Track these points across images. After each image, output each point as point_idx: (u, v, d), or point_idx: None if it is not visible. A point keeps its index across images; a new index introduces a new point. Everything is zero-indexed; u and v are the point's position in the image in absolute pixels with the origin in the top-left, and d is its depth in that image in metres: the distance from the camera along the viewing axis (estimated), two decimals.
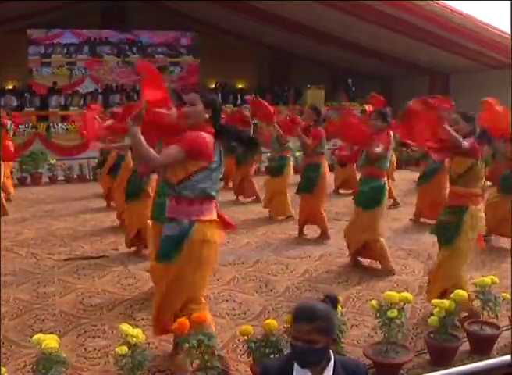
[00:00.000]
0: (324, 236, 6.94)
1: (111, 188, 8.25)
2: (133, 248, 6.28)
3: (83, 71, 22.98)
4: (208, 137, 3.34)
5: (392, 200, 8.70)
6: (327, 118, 11.38)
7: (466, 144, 4.25)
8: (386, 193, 5.73)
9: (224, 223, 3.55)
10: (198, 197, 3.38)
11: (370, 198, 5.62)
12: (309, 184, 6.91)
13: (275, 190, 8.07)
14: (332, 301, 2.34)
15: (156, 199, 5.00)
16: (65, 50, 22.94)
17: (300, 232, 7.14)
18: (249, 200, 9.55)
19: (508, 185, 6.59)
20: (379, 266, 5.71)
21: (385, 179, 5.75)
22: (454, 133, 4.23)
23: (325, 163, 7.08)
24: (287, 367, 2.20)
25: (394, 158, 9.68)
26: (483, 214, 4.47)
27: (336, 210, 8.50)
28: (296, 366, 2.19)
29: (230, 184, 10.13)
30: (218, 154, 3.40)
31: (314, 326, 2.14)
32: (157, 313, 3.55)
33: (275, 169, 8.15)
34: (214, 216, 3.45)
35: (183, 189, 3.37)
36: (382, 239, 5.72)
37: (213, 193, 3.42)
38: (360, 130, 5.81)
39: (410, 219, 7.97)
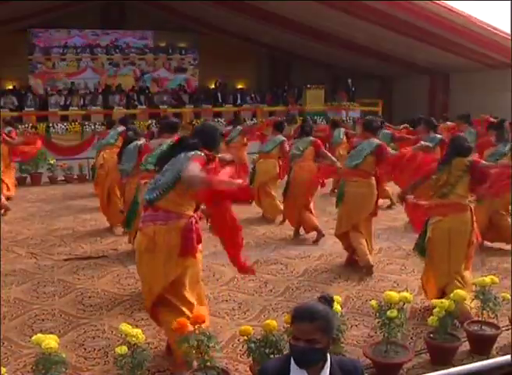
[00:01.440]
0: (319, 235, 6.90)
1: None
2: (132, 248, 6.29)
3: (86, 63, 22.99)
4: None
5: (388, 200, 8.69)
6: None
7: None
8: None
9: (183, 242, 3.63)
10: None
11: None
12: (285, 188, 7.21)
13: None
14: (328, 301, 2.34)
15: None
16: (65, 50, 22.93)
17: (295, 233, 7.16)
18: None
19: None
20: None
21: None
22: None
23: (301, 165, 7.07)
24: (284, 368, 2.20)
25: None
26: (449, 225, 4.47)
27: (336, 210, 8.48)
28: (293, 366, 2.19)
29: None
30: None
31: (315, 325, 2.14)
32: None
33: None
34: (150, 224, 3.59)
35: None
36: (357, 233, 5.76)
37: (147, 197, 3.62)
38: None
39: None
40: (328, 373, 2.20)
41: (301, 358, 2.18)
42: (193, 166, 3.36)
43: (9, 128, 10.63)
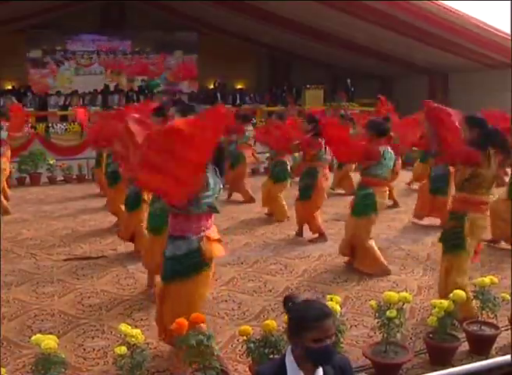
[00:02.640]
0: (322, 237, 6.90)
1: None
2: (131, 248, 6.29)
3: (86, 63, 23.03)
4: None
5: (392, 200, 8.69)
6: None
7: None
8: (375, 202, 5.57)
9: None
10: (204, 213, 3.45)
11: (358, 205, 5.66)
12: (305, 191, 6.90)
13: (272, 194, 8.09)
14: (294, 302, 2.29)
15: (150, 209, 5.07)
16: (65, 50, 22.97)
17: (299, 233, 7.13)
18: (243, 199, 9.52)
19: None
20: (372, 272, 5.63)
21: (377, 187, 5.59)
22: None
23: (323, 169, 7.01)
24: (281, 371, 2.18)
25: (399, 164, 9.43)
26: (484, 223, 4.43)
27: (336, 210, 8.50)
28: (289, 369, 2.16)
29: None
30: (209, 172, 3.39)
31: (331, 320, 2.17)
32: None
33: (275, 175, 8.12)
34: (215, 232, 3.55)
35: (190, 206, 3.39)
36: (370, 244, 5.68)
37: (217, 206, 3.49)
38: (351, 145, 5.60)
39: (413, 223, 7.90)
40: (321, 371, 2.20)
41: (328, 356, 2.17)
42: None
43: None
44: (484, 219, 4.40)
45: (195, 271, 3.47)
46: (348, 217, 5.88)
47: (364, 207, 5.59)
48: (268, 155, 8.77)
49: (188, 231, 3.45)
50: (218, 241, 3.58)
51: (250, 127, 10.33)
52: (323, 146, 6.85)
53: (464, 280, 4.36)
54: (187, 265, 3.47)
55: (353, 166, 9.78)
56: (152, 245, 4.95)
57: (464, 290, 4.16)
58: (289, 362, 2.17)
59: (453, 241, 4.36)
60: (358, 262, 5.72)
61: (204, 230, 3.46)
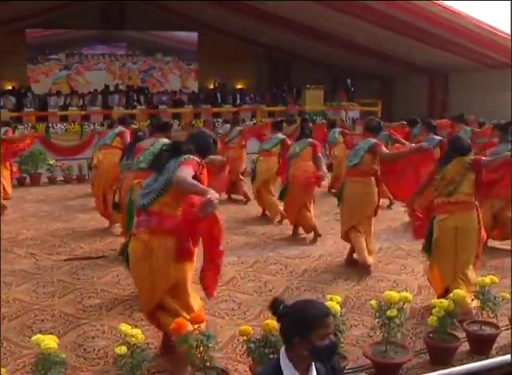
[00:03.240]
0: (316, 234, 6.93)
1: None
2: None
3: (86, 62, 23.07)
4: None
5: (388, 200, 8.68)
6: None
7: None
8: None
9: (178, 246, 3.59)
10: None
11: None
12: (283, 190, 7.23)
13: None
14: (285, 304, 2.26)
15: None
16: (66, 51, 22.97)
17: (294, 232, 7.17)
18: (241, 197, 9.52)
19: None
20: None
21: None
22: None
23: (298, 165, 7.05)
24: (277, 373, 2.17)
25: None
26: (455, 224, 4.47)
27: (336, 210, 8.49)
28: (285, 370, 2.14)
29: None
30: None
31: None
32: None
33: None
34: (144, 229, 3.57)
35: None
36: (357, 232, 5.77)
37: (140, 202, 3.58)
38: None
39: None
40: (314, 370, 2.19)
41: (333, 352, 2.19)
42: (185, 169, 3.36)
43: (6, 128, 10.55)
44: (453, 220, 4.45)
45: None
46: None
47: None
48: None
49: None
50: (144, 241, 3.54)
51: None
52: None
53: (452, 281, 4.47)
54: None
55: None
56: None
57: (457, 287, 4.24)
58: (285, 363, 2.15)
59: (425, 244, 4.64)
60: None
61: (134, 227, 3.62)
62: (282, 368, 2.15)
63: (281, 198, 7.39)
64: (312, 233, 6.98)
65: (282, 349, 2.20)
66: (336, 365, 2.31)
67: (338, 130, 10.63)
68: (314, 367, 2.19)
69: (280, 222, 7.80)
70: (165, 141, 5.24)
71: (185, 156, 3.50)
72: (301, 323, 2.13)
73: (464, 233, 4.44)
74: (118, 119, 9.05)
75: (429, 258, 4.70)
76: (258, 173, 8.24)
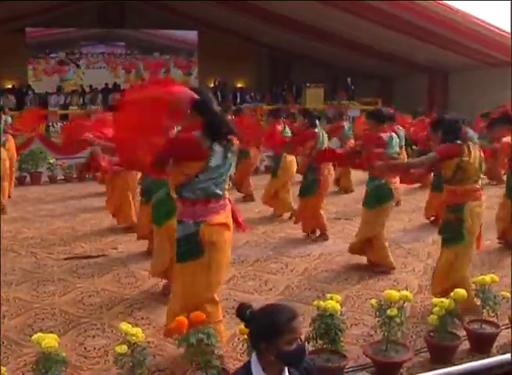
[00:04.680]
0: (323, 236, 6.90)
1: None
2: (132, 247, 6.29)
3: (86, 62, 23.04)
4: (190, 137, 3.35)
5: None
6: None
7: (430, 158, 4.40)
8: (388, 192, 5.56)
9: (236, 223, 3.61)
10: (201, 198, 3.39)
11: (372, 197, 5.63)
12: (308, 187, 6.86)
13: (274, 189, 8.14)
14: (252, 310, 2.26)
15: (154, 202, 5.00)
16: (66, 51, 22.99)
17: (308, 231, 7.06)
18: (243, 197, 9.51)
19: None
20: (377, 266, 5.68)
21: (388, 178, 5.53)
22: (408, 163, 4.45)
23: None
24: None
25: (404, 156, 9.59)
26: (481, 210, 4.43)
27: (336, 209, 8.50)
28: (256, 374, 2.13)
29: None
30: (216, 153, 3.38)
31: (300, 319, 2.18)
32: (171, 312, 3.60)
33: (272, 170, 8.26)
34: (221, 216, 3.46)
35: (185, 191, 3.40)
36: (382, 238, 5.67)
37: (217, 191, 3.43)
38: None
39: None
40: (287, 374, 2.17)
41: (301, 357, 2.16)
42: None
43: (5, 117, 10.37)
44: (480, 207, 4.42)
45: (191, 257, 3.45)
46: (362, 211, 5.84)
47: (376, 198, 5.57)
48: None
49: (184, 216, 3.46)
50: (224, 225, 3.47)
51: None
52: (319, 137, 6.87)
53: (467, 271, 4.42)
54: (183, 250, 3.49)
55: None
56: (156, 238, 4.97)
57: (467, 281, 4.27)
58: (256, 368, 2.14)
59: (453, 233, 4.37)
60: (371, 254, 5.71)
61: (203, 215, 3.40)
62: (254, 373, 2.13)
63: (305, 194, 6.96)
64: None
65: (253, 354, 2.18)
66: (311, 367, 2.28)
67: (350, 125, 10.70)
68: (287, 372, 2.17)
69: (290, 218, 7.81)
70: None
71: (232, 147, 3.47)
72: (266, 329, 2.11)
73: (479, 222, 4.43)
74: None
75: (457, 248, 4.41)
76: (281, 172, 8.06)
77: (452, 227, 4.38)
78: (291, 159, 8.05)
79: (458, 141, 4.32)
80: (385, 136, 5.53)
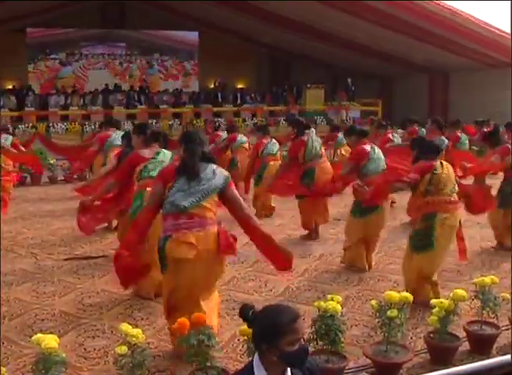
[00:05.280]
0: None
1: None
2: None
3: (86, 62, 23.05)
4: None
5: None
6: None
7: (411, 178, 4.66)
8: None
9: (223, 242, 3.65)
10: (168, 212, 3.62)
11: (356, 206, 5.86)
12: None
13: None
14: (254, 311, 2.26)
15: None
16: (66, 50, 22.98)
17: (315, 231, 7.10)
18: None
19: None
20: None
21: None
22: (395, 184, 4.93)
23: (323, 166, 7.02)
24: None
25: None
26: (453, 222, 4.65)
27: (337, 210, 8.49)
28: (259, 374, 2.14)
29: None
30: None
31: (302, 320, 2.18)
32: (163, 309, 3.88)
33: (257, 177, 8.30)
34: (186, 231, 3.56)
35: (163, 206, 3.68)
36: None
37: (182, 204, 3.56)
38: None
39: None
40: (289, 373, 2.17)
41: (304, 357, 2.15)
42: (235, 191, 3.74)
43: (6, 136, 10.27)
44: (453, 219, 4.65)
45: (163, 268, 3.68)
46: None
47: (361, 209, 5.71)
48: None
49: (162, 230, 3.69)
50: (189, 244, 3.54)
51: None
52: (307, 143, 7.00)
53: (432, 272, 4.70)
54: (160, 262, 3.69)
55: None
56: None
57: (430, 277, 4.62)
58: (258, 369, 2.13)
59: (423, 241, 4.64)
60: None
61: (171, 230, 3.58)
62: (256, 374, 2.13)
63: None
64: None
65: (256, 355, 2.18)
66: (314, 367, 2.28)
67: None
68: (289, 372, 2.16)
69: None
70: (168, 152, 5.12)
71: (226, 173, 3.75)
72: (268, 330, 2.11)
73: (454, 233, 4.71)
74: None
75: (424, 253, 4.65)
76: (266, 176, 8.05)
77: (422, 235, 4.67)
78: (275, 167, 7.99)
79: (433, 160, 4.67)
80: (368, 148, 5.82)
